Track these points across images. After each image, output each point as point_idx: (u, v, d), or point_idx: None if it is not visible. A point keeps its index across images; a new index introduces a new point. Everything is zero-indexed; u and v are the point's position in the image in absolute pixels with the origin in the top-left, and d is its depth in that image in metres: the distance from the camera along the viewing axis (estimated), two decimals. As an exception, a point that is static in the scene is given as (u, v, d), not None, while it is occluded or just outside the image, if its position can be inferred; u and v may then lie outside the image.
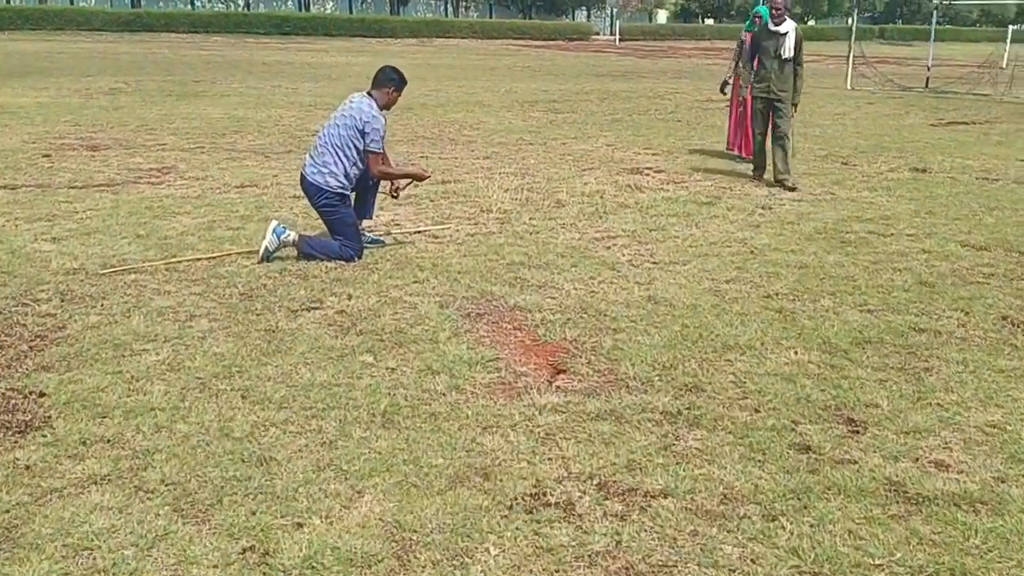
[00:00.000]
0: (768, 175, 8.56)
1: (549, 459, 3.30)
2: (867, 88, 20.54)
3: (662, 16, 79.13)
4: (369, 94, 5.34)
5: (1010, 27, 31.89)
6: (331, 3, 65.03)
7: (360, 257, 5.50)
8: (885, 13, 71.58)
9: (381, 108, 5.33)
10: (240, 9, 54.48)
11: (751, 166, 8.95)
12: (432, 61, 29.22)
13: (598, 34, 65.78)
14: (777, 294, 5.29)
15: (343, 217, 5.41)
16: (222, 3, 56.49)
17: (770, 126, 8.29)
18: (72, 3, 49.00)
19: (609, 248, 6.19)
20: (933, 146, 11.63)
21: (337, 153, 5.29)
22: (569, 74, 25.08)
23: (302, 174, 5.47)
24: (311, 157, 5.48)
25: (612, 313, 4.89)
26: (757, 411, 3.69)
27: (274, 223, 5.60)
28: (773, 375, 4.05)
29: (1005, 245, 6.40)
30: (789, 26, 8.07)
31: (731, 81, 9.61)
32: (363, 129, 5.28)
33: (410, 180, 5.67)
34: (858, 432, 3.50)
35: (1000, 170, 9.79)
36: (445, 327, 4.66)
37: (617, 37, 52.91)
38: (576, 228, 6.74)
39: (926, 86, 21.12)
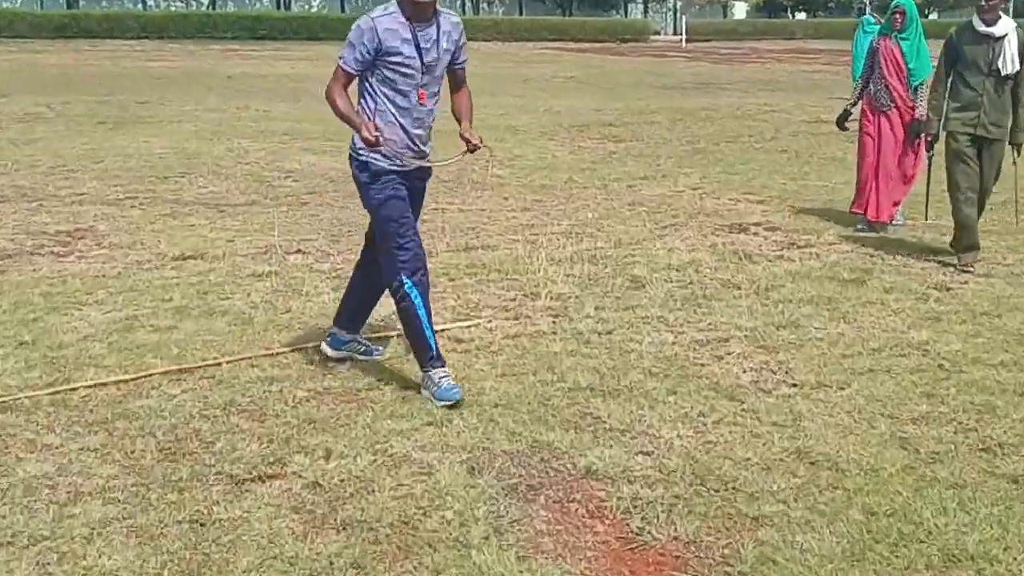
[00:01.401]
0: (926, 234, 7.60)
1: None
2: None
3: (740, 10, 79.46)
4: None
5: None
6: (317, 0, 65.83)
7: (414, 284, 4.75)
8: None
9: (408, 18, 4.58)
10: (204, 8, 55.09)
11: (923, 227, 8.26)
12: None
13: (658, 33, 66.08)
14: (1002, 447, 4.32)
15: (378, 206, 4.78)
16: (180, 1, 57.20)
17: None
18: (-7, 3, 49.78)
19: (721, 359, 5.43)
20: None
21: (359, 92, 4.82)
22: (626, 86, 24.60)
23: None
24: None
25: (745, 485, 3.95)
26: None
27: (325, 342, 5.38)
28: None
29: None
30: (1008, 26, 7.12)
31: (856, 110, 8.63)
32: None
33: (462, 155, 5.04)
34: None
35: None
36: (479, 516, 3.71)
37: (683, 37, 52.80)
38: (667, 324, 5.99)
39: None
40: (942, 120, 7.31)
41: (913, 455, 4.26)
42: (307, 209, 9.33)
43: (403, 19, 4.54)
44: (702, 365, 5.30)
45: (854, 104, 8.63)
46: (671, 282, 6.86)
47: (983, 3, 7.13)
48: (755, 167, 12.06)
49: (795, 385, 5.04)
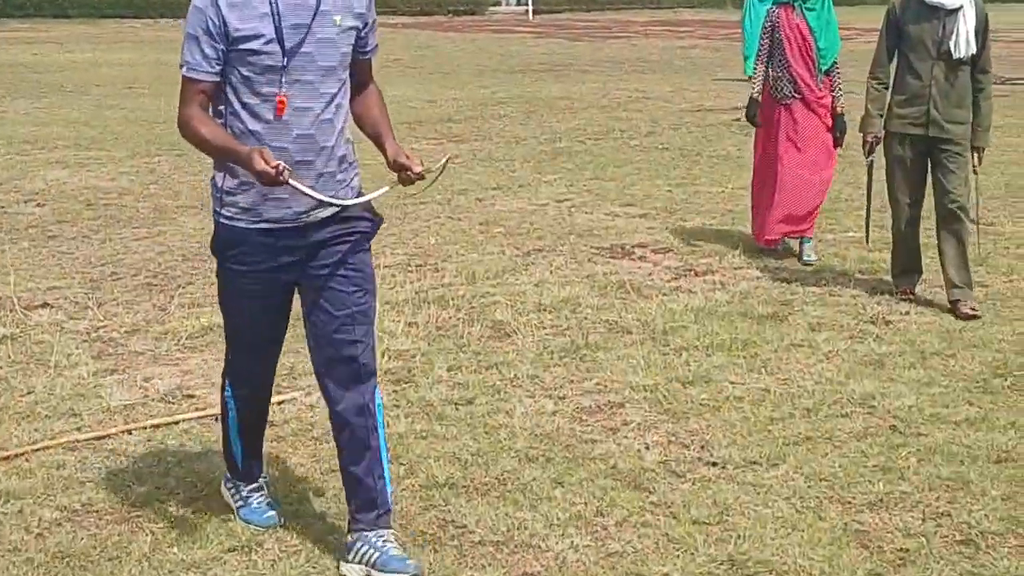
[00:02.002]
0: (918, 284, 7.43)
1: None
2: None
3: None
4: None
5: None
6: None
7: (235, 398, 4.31)
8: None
9: None
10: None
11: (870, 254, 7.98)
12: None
13: (498, 4, 66.52)
14: (985, 536, 4.22)
15: (223, 299, 4.16)
16: None
17: (934, 190, 7.04)
18: None
19: (616, 431, 5.24)
20: None
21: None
22: (464, 71, 24.49)
23: None
24: None
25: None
26: None
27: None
28: None
29: None
30: None
31: (761, 97, 8.32)
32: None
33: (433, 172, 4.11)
34: None
35: None
36: None
37: (530, 8, 53.27)
38: (543, 387, 5.79)
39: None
40: (883, 116, 7.12)
41: (876, 556, 4.08)
42: (56, 245, 8.70)
43: None
44: (593, 442, 5.06)
45: (760, 91, 8.29)
46: (544, 328, 6.64)
47: None
48: (632, 170, 12.03)
49: (715, 464, 4.84)
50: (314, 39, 3.78)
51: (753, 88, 8.36)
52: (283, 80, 3.76)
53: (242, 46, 3.71)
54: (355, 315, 3.92)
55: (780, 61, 8.10)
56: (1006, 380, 5.75)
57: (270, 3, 3.71)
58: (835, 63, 8.13)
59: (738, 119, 15.77)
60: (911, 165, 7.02)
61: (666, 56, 29.15)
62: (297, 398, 5.58)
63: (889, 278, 7.41)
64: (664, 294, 7.34)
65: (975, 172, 7.11)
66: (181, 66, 3.80)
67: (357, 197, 3.95)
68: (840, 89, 8.14)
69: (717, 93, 19.96)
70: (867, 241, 7.85)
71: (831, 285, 7.53)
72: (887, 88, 7.11)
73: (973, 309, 6.77)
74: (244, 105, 3.79)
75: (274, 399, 5.50)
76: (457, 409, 5.41)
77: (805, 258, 8.11)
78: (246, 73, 3.76)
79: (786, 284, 7.56)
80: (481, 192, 10.83)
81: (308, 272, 3.91)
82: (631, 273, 7.85)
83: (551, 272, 7.87)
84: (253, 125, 3.78)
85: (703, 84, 21.17)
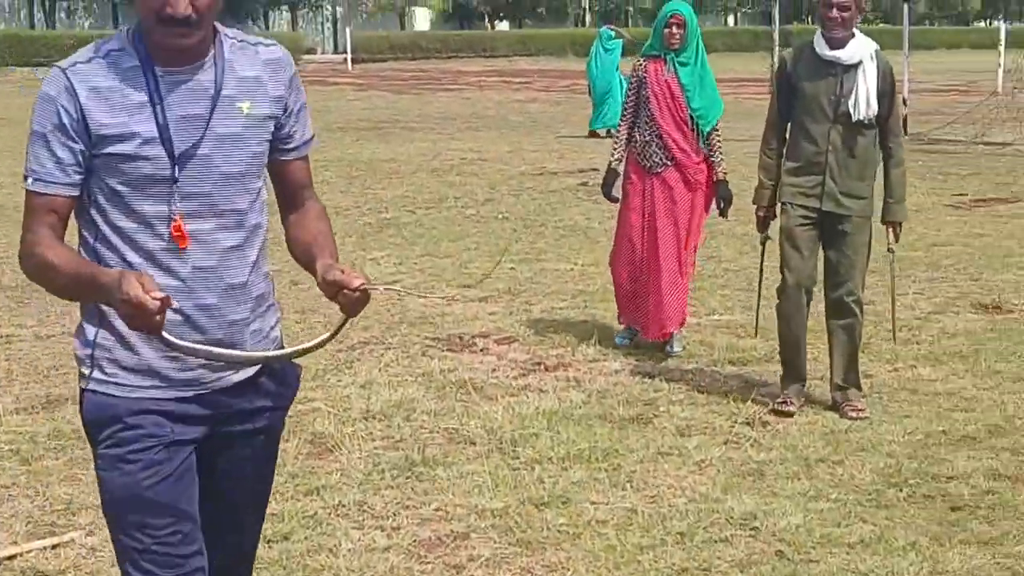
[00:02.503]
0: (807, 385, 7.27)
1: None
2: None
3: (422, 18, 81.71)
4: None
5: (1003, 26, 34.52)
6: None
7: None
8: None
9: (149, 54, 3.11)
10: None
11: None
12: None
13: (313, 51, 66.74)
14: None
15: (104, 490, 3.25)
16: None
17: (825, 276, 6.91)
18: None
19: (462, 571, 5.01)
20: (981, 251, 11.61)
21: None
22: (277, 128, 24.21)
23: None
24: None
25: None
26: None
27: None
28: None
29: None
30: (863, 50, 6.73)
31: (623, 167, 8.11)
32: None
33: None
34: None
35: None
36: None
37: (349, 56, 53.41)
38: (374, 515, 5.55)
39: (904, 131, 21.86)
40: (777, 186, 6.90)
41: None
42: None
43: (134, 60, 3.10)
44: (434, 586, 4.80)
45: (620, 159, 8.12)
46: (373, 440, 6.43)
47: (827, 11, 6.62)
48: (470, 244, 11.99)
49: (580, 608, 4.62)
50: (213, 136, 3.11)
51: (613, 154, 8.15)
52: (174, 195, 3.09)
53: (111, 149, 3.03)
54: (256, 506, 3.52)
55: (648, 123, 7.87)
56: (901, 491, 5.67)
57: (148, 87, 3.05)
58: (715, 128, 7.92)
59: (585, 183, 15.93)
60: (804, 243, 6.78)
61: (502, 111, 29.46)
62: (75, 540, 5.20)
63: (762, 368, 7.36)
64: (511, 395, 7.18)
65: (890, 251, 7.08)
66: (26, 177, 3.11)
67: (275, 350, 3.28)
68: (721, 153, 7.95)
69: (560, 153, 20.15)
70: (756, 332, 7.79)
71: (699, 379, 7.47)
72: (780, 155, 6.91)
73: (859, 411, 6.69)
74: (117, 230, 3.11)
75: (47, 542, 5.16)
76: (270, 548, 5.09)
77: (669, 348, 7.98)
78: (118, 186, 3.07)
79: (648, 380, 7.46)
80: (295, 272, 10.52)
81: (214, 444, 3.27)
82: (472, 369, 7.69)
83: (380, 370, 7.66)
84: (132, 257, 3.10)
85: (544, 143, 21.36)
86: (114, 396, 3.15)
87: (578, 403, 6.97)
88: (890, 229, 6.99)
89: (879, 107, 6.72)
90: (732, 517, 5.39)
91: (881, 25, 70.60)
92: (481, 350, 8.15)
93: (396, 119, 26.91)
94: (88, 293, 3.08)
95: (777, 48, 27.12)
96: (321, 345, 3.22)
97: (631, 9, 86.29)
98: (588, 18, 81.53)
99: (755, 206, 7.06)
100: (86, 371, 3.19)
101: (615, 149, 8.14)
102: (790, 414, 6.72)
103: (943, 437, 6.37)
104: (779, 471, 5.95)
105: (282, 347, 3.31)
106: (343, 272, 3.12)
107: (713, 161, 7.92)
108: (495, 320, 8.93)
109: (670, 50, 7.84)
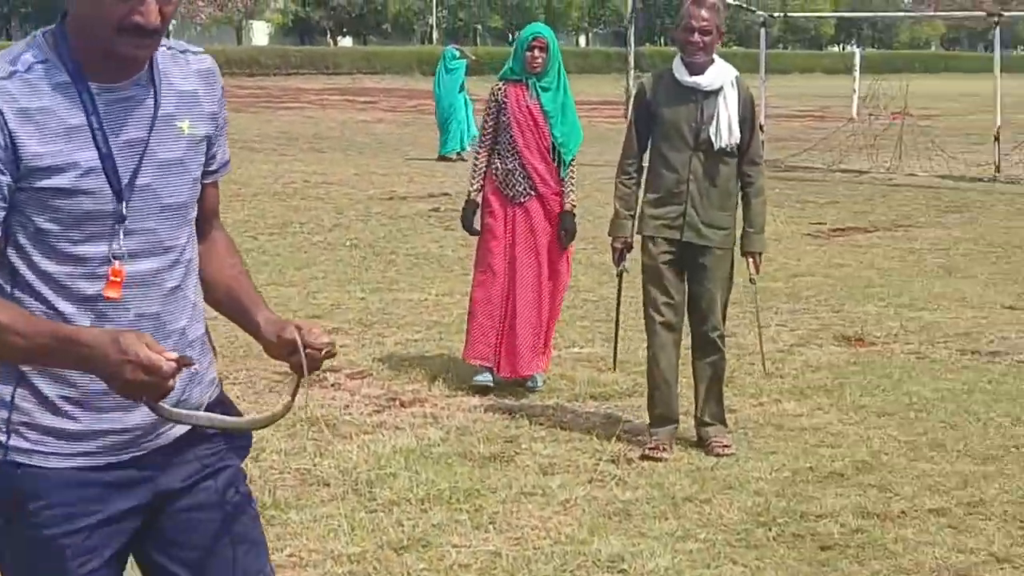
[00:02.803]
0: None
1: None
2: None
3: (261, 32, 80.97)
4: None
5: (857, 51, 35.49)
6: None
7: None
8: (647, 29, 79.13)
9: (78, 64, 2.73)
10: None
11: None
12: None
13: (145, 66, 65.42)
14: None
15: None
16: None
17: (689, 310, 6.91)
18: None
19: None
20: (842, 282, 11.86)
21: None
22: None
23: None
24: None
25: None
26: None
27: None
28: None
29: None
30: (723, 76, 6.76)
31: (480, 196, 7.97)
32: None
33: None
34: None
35: (985, 331, 9.94)
36: None
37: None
38: None
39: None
40: (636, 218, 6.93)
41: None
42: None
43: (63, 74, 2.70)
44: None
45: (479, 189, 8.00)
46: None
47: (688, 36, 6.63)
48: (317, 273, 11.90)
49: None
50: (155, 162, 2.77)
51: (471, 183, 8.04)
52: (118, 232, 2.73)
53: (43, 183, 2.65)
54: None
55: (510, 150, 7.80)
56: (770, 530, 5.75)
57: (85, 108, 2.68)
58: (574, 157, 7.92)
59: (436, 208, 15.96)
60: (668, 276, 6.78)
61: (347, 132, 29.34)
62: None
63: (624, 403, 7.41)
64: (366, 432, 7.11)
65: (752, 282, 7.17)
66: None
67: (217, 393, 3.02)
68: (573, 183, 7.95)
69: (410, 177, 20.13)
70: (614, 366, 7.84)
71: (561, 415, 7.49)
72: (638, 184, 6.94)
73: (726, 447, 6.77)
74: (43, 275, 2.71)
75: None
76: (113, 599, 4.96)
77: (531, 384, 7.98)
78: (46, 224, 2.69)
79: (509, 416, 7.45)
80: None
81: (165, 521, 2.91)
82: (324, 406, 7.60)
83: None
84: (64, 306, 2.71)
85: (392, 166, 21.31)
86: (37, 467, 2.75)
87: (436, 441, 6.94)
88: (751, 260, 7.03)
89: (741, 134, 6.78)
90: (599, 560, 5.42)
91: (735, 48, 72.11)
92: (332, 385, 8.07)
93: (234, 138, 26.50)
94: (56, 357, 2.65)
95: (632, 71, 27.60)
96: (289, 408, 2.93)
97: (479, 27, 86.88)
98: (436, 35, 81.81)
99: (611, 237, 7.07)
100: (0, 439, 2.77)
101: (473, 178, 8.03)
102: (663, 460, 6.70)
103: (810, 474, 6.48)
104: (646, 511, 5.99)
105: (220, 387, 3.06)
106: (300, 329, 2.89)
107: (563, 191, 7.88)
108: (347, 353, 8.84)
109: (532, 74, 7.82)
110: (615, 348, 7.77)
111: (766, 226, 7.07)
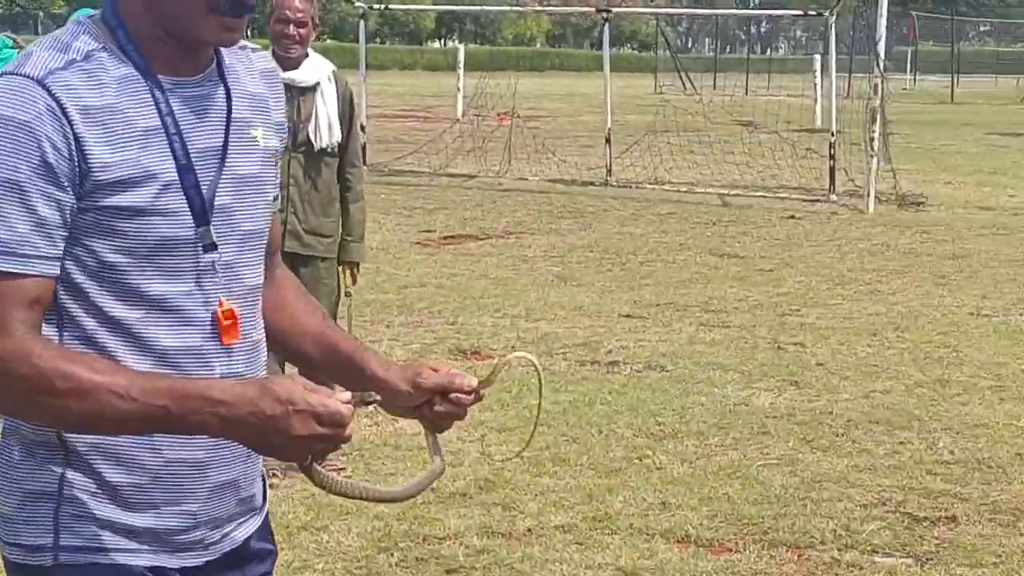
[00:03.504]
0: None
1: None
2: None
3: None
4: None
5: (460, 48, 36.02)
6: None
7: None
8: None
9: (143, 57, 2.32)
10: None
11: None
12: None
13: None
14: None
15: None
16: None
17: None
18: None
19: None
20: (456, 293, 12.08)
21: None
22: None
23: None
24: None
25: None
26: None
27: None
28: None
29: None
30: (320, 71, 6.76)
31: None
32: None
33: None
34: None
35: (603, 340, 10.29)
36: None
37: None
38: None
39: (364, 161, 22.45)
40: None
41: None
42: None
43: (126, 64, 2.30)
44: None
45: None
46: None
47: (282, 28, 6.57)
48: None
49: None
50: (232, 178, 2.40)
51: None
52: (212, 265, 2.36)
53: (113, 200, 2.24)
54: None
55: None
56: (392, 555, 5.90)
57: (157, 105, 2.30)
58: None
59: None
60: None
61: None
62: None
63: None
64: None
65: (348, 295, 7.22)
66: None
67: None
68: None
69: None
70: None
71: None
72: None
73: (339, 471, 6.78)
74: (109, 322, 2.30)
75: None
76: None
77: None
78: (112, 257, 2.27)
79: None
80: None
81: None
82: None
83: None
84: (139, 360, 2.29)
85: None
86: (98, 565, 2.32)
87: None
88: (348, 270, 7.07)
89: (344, 132, 6.82)
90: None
91: (329, 42, 72.14)
92: None
93: None
94: (172, 424, 2.18)
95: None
96: (443, 470, 2.80)
97: (41, 15, 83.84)
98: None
99: None
100: (46, 541, 2.30)
101: None
102: (273, 487, 6.68)
103: (431, 495, 6.62)
104: None
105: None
106: (437, 372, 2.62)
107: None
108: None
109: None
110: None
111: (371, 234, 7.17)
